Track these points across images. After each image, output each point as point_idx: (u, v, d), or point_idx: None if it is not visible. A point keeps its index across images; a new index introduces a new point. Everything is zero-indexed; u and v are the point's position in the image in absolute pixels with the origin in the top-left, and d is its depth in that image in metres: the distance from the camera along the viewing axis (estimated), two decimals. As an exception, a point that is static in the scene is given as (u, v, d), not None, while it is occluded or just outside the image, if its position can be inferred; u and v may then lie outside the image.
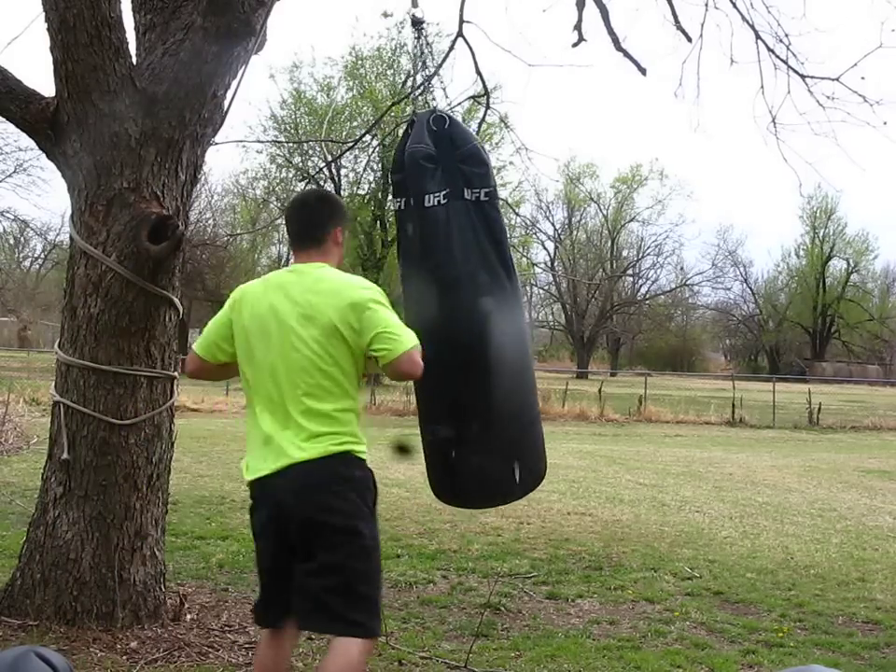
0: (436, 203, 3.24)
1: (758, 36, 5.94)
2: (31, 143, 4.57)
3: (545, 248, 49.71)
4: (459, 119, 3.50)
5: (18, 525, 6.13)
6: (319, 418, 2.77)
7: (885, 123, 5.71)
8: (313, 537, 2.76)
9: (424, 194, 3.25)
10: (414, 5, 3.84)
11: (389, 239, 34.93)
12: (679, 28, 6.04)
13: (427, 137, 3.29)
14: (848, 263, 54.22)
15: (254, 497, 2.92)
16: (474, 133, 3.49)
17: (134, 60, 4.25)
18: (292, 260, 3.02)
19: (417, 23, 3.74)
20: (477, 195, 3.27)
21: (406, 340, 2.75)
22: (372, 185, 36.33)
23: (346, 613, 2.74)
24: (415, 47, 3.76)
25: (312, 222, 2.97)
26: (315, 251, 2.92)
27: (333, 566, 2.74)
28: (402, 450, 2.49)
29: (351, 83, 34.63)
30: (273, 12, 4.31)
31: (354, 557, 2.77)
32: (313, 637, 4.36)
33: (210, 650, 4.05)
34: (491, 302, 3.26)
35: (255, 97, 44.04)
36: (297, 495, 2.75)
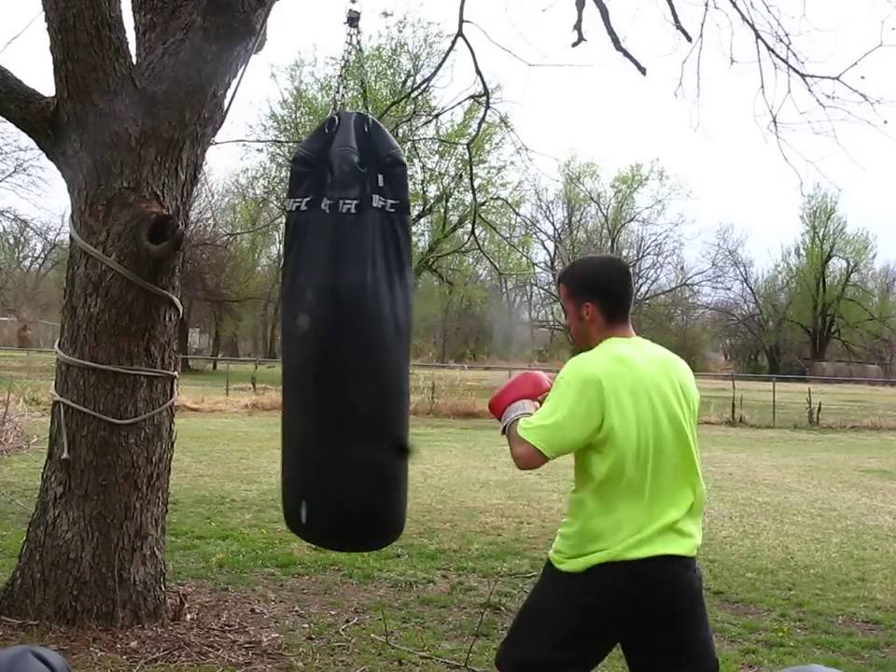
0: (347, 210, 2.97)
1: (758, 36, 5.95)
2: (31, 143, 4.57)
3: (545, 248, 49.82)
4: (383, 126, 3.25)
5: (18, 524, 6.13)
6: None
7: (885, 122, 5.72)
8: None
9: (340, 199, 2.97)
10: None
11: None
12: (679, 28, 6.05)
13: (353, 140, 3.05)
14: (848, 263, 54.15)
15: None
16: (395, 141, 3.24)
17: (134, 60, 4.25)
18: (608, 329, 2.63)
19: (353, 20, 3.37)
20: (383, 204, 3.01)
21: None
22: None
23: None
24: (347, 51, 3.42)
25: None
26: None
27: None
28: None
29: (351, 83, 34.65)
30: (272, 12, 4.31)
31: None
32: (312, 636, 4.36)
33: (210, 649, 4.05)
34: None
35: (255, 96, 44.06)
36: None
